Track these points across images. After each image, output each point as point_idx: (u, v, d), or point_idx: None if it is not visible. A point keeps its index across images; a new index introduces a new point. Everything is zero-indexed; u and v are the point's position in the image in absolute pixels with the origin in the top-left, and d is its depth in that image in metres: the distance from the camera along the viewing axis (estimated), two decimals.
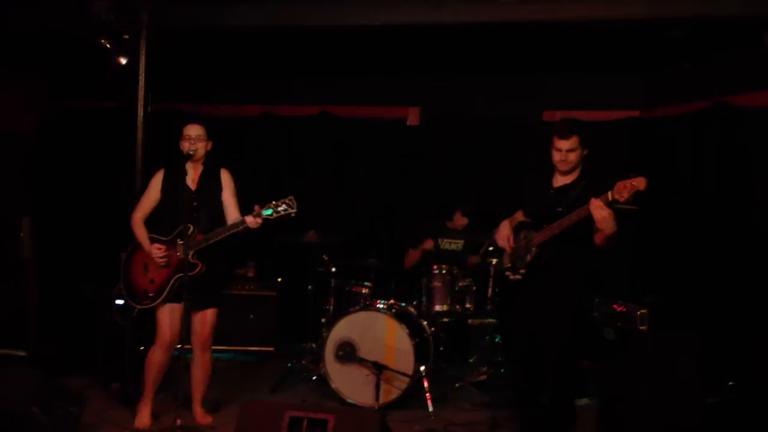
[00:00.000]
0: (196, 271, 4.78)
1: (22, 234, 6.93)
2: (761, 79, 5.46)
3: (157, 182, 5.06)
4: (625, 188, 4.03)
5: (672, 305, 5.17)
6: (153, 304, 4.93)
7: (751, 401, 5.06)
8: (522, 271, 4.69)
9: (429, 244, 6.58)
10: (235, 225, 4.83)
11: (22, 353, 6.29)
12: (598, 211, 4.15)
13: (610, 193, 4.11)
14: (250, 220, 4.76)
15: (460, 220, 6.80)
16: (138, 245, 5.04)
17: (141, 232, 4.99)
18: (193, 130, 4.96)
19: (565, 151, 4.51)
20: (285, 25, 5.60)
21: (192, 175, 5.03)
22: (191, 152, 4.90)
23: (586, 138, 4.54)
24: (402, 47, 6.42)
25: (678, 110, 6.47)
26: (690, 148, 6.23)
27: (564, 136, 4.50)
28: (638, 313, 4.90)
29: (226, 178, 5.09)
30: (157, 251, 4.88)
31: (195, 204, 4.91)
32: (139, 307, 5.02)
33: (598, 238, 4.35)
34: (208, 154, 5.06)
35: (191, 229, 4.79)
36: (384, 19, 5.41)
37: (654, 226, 6.53)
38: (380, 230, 7.50)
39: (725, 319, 5.50)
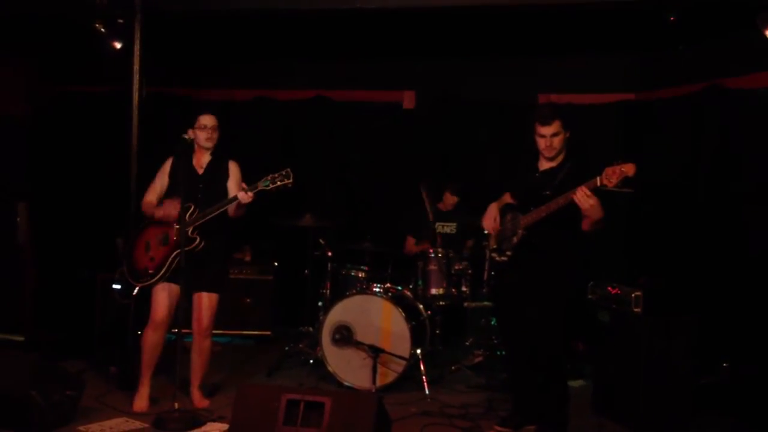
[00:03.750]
0: (194, 245, 4.83)
1: (18, 219, 6.93)
2: (756, 61, 5.46)
3: (166, 169, 5.14)
4: (614, 174, 4.06)
5: (666, 288, 5.19)
6: (152, 281, 4.95)
7: (744, 382, 5.11)
8: (508, 253, 4.71)
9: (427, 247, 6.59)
10: (228, 201, 4.89)
11: (20, 338, 6.30)
12: (585, 199, 4.19)
13: (598, 178, 4.13)
14: (242, 195, 4.81)
15: (450, 200, 6.83)
16: (142, 229, 5.09)
17: (150, 208, 5.05)
18: (210, 120, 5.06)
19: (549, 136, 4.52)
20: (280, 8, 5.58)
21: (199, 161, 5.12)
22: (208, 139, 5.01)
23: (568, 121, 4.56)
24: (397, 31, 6.41)
25: (673, 93, 6.47)
26: (685, 130, 6.23)
27: (546, 122, 4.52)
28: (633, 295, 4.94)
29: (234, 168, 5.17)
30: (171, 209, 4.91)
31: (200, 185, 5.00)
32: (138, 285, 5.07)
33: (585, 224, 4.39)
34: (215, 144, 5.14)
35: (192, 208, 4.86)
36: (379, 2, 5.40)
37: (649, 209, 6.55)
38: (376, 214, 7.50)
39: (719, 301, 5.52)
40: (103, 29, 5.75)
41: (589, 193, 4.17)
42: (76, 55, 7.00)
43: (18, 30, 6.31)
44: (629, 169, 4.04)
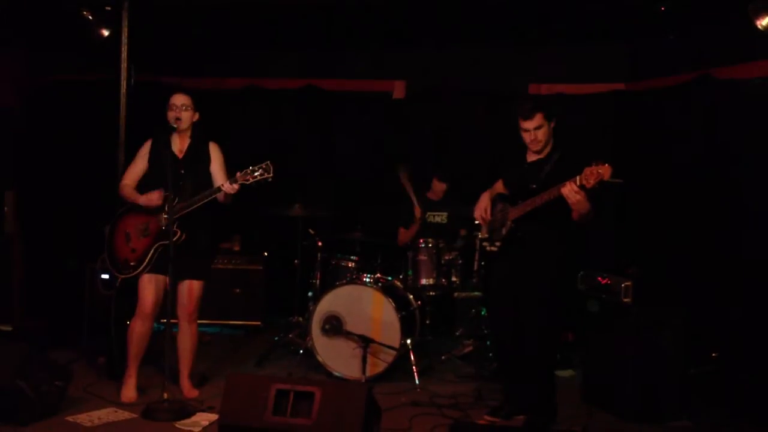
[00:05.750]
0: (176, 238, 4.76)
1: (6, 208, 6.89)
2: (745, 51, 5.46)
3: (144, 152, 5.06)
4: (592, 175, 4.08)
5: (656, 278, 5.21)
6: (134, 273, 4.92)
7: (734, 372, 5.13)
8: (498, 243, 4.72)
9: (417, 212, 6.58)
10: (212, 191, 4.84)
11: (7, 328, 6.28)
12: (572, 195, 4.19)
13: (578, 177, 4.14)
14: (227, 186, 4.77)
15: (438, 186, 6.80)
16: (121, 216, 5.04)
17: (130, 192, 4.99)
18: (179, 99, 4.95)
19: (533, 130, 4.53)
20: None
21: (179, 146, 5.04)
22: (177, 119, 4.90)
23: (551, 110, 4.55)
24: (388, 20, 6.38)
25: (663, 83, 6.47)
26: (674, 120, 6.24)
27: (528, 117, 4.52)
28: (622, 285, 4.95)
29: (214, 150, 5.09)
30: (155, 198, 4.86)
31: (181, 172, 4.92)
32: (121, 276, 5.02)
33: (574, 215, 4.40)
34: (195, 125, 5.05)
35: (173, 198, 4.79)
36: None
37: (638, 199, 6.56)
38: (366, 204, 7.49)
39: (709, 291, 5.54)
40: (90, 17, 5.69)
41: (576, 188, 4.18)
42: (64, 44, 6.93)
43: (5, 18, 6.25)
44: (605, 171, 4.06)
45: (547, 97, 6.94)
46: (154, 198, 4.87)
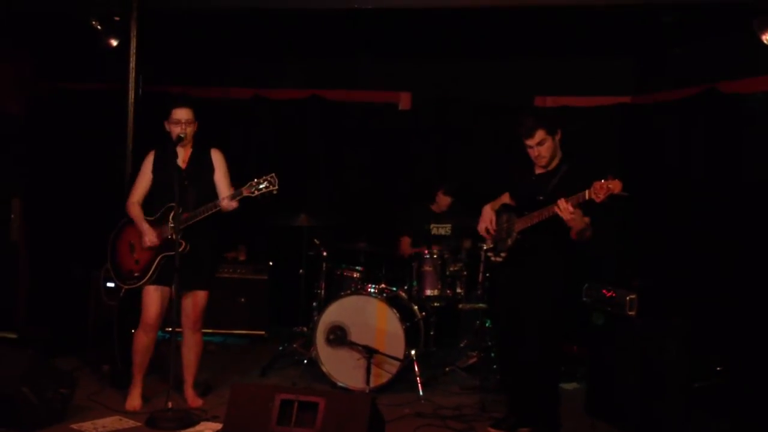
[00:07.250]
0: (180, 249, 4.76)
1: (12, 215, 6.91)
2: (751, 65, 5.47)
3: (148, 164, 5.07)
4: (602, 189, 4.09)
5: (661, 290, 5.20)
6: (139, 284, 4.93)
7: (739, 385, 5.11)
8: (503, 254, 4.73)
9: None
10: (212, 206, 4.85)
11: (12, 335, 6.28)
12: (565, 213, 4.22)
13: (587, 191, 4.16)
14: (225, 204, 4.80)
15: (443, 200, 6.80)
16: (124, 225, 5.06)
17: (137, 214, 4.99)
18: (184, 114, 4.95)
19: (536, 146, 4.54)
20: (277, 7, 5.58)
21: (182, 156, 5.04)
22: (182, 135, 4.90)
23: (552, 125, 4.55)
24: (394, 31, 6.41)
25: (668, 96, 6.48)
26: (680, 134, 6.25)
27: (529, 135, 4.53)
28: (627, 298, 4.95)
29: (217, 157, 5.09)
30: (150, 236, 4.89)
31: (185, 183, 4.92)
32: (125, 287, 5.05)
33: (572, 233, 4.41)
34: (195, 134, 5.07)
35: (177, 208, 4.78)
36: (376, 2, 5.40)
37: (644, 212, 6.56)
38: (371, 214, 7.50)
39: (714, 304, 5.53)
40: (99, 26, 5.73)
41: (565, 206, 4.19)
42: (73, 52, 6.97)
43: (14, 26, 6.28)
44: (615, 186, 4.08)
45: (549, 110, 6.96)
46: (148, 240, 4.89)
